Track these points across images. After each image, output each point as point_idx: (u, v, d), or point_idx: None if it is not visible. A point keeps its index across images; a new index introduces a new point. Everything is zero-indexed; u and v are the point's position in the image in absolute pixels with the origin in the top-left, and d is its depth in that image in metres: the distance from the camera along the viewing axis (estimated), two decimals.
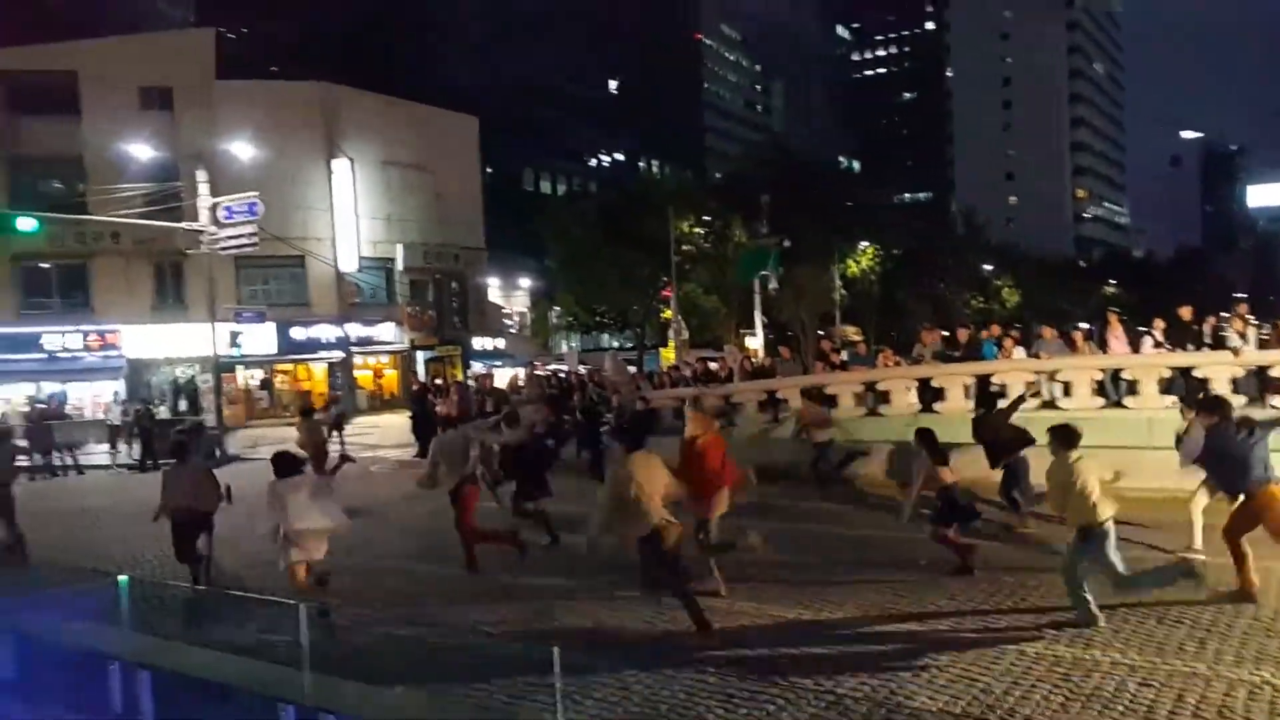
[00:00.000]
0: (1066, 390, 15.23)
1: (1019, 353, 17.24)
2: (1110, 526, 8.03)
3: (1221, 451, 8.87)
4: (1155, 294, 72.99)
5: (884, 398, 16.68)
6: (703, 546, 9.66)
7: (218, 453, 23.52)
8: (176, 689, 7.93)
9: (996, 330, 19.27)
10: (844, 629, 8.38)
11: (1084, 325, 28.25)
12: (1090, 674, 6.97)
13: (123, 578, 9.06)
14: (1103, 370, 15.17)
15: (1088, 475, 8.10)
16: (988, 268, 77.25)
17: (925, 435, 10.40)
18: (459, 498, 11.08)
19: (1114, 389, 15.12)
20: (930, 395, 16.15)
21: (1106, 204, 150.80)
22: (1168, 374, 14.48)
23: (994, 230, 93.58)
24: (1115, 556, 8.03)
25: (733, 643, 8.06)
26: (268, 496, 9.52)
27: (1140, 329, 18.21)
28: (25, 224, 23.67)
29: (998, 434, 11.80)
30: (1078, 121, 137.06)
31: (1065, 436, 8.40)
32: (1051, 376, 15.64)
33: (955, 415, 15.50)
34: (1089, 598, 8.03)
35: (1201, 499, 9.83)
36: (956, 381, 15.88)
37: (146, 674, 7.97)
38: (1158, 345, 16.08)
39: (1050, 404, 15.38)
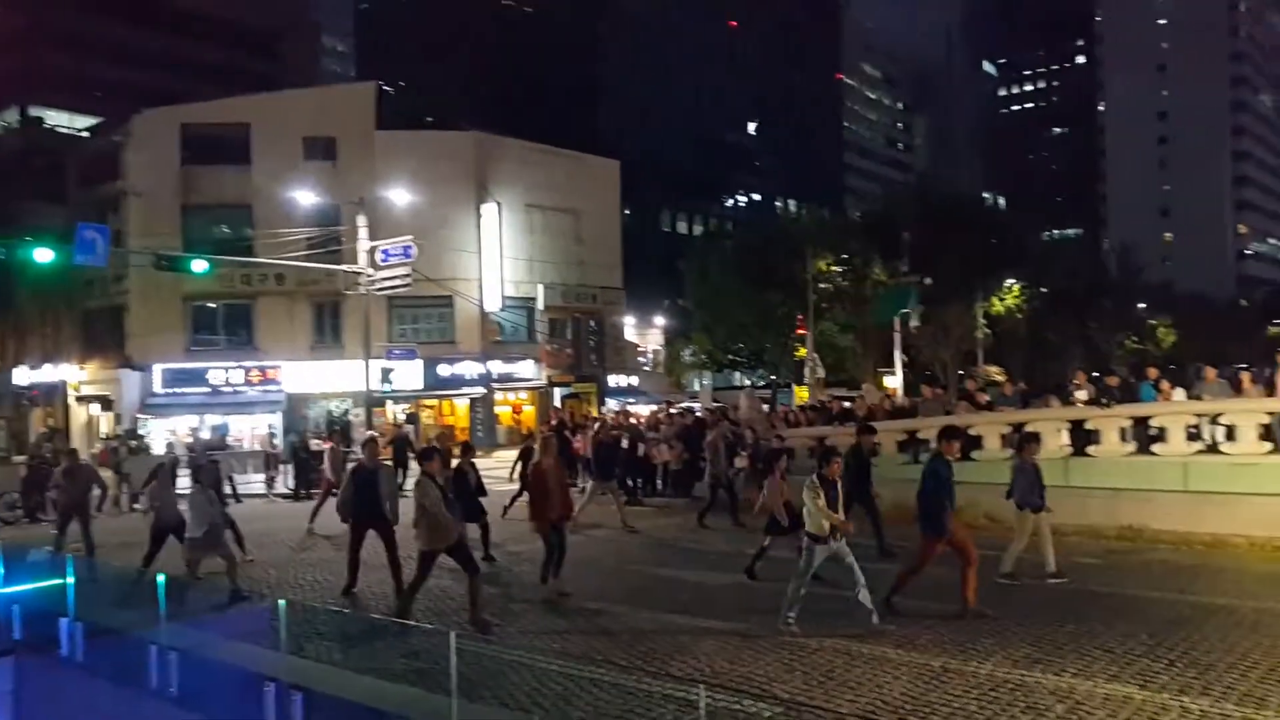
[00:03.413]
0: (1230, 434, 14.41)
1: (1179, 395, 16.43)
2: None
3: None
4: None
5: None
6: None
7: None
8: (328, 710, 8.27)
9: (1154, 373, 18.44)
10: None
11: (1246, 366, 26.69)
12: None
13: (282, 601, 9.53)
14: (1271, 414, 14.29)
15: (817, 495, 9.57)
16: (1142, 307, 73.78)
17: (776, 455, 13.79)
18: None
19: None
20: (1083, 438, 15.52)
21: (1272, 240, 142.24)
22: None
23: (1150, 268, 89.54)
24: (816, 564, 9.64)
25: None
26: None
27: None
28: (199, 266, 25.29)
29: None
30: (1241, 155, 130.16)
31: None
32: (1214, 420, 14.84)
33: (1110, 458, 14.94)
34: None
35: None
36: (1112, 424, 15.23)
37: (300, 695, 8.32)
38: None
39: (1213, 448, 14.59)
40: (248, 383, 38.18)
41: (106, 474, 22.62)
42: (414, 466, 22.22)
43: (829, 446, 11.46)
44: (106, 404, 39.66)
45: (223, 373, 38.07)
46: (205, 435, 34.01)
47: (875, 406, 20.81)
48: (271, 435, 35.73)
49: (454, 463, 13.63)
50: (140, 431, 34.21)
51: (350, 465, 18.25)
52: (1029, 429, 14.25)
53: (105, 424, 39.55)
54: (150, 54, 64.41)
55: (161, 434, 35.65)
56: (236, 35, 71.69)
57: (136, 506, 23.87)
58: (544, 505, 11.65)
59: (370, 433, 21.05)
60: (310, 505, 19.20)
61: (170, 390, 37.73)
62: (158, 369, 37.71)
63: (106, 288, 38.70)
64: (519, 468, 18.15)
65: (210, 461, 15.76)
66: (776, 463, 13.19)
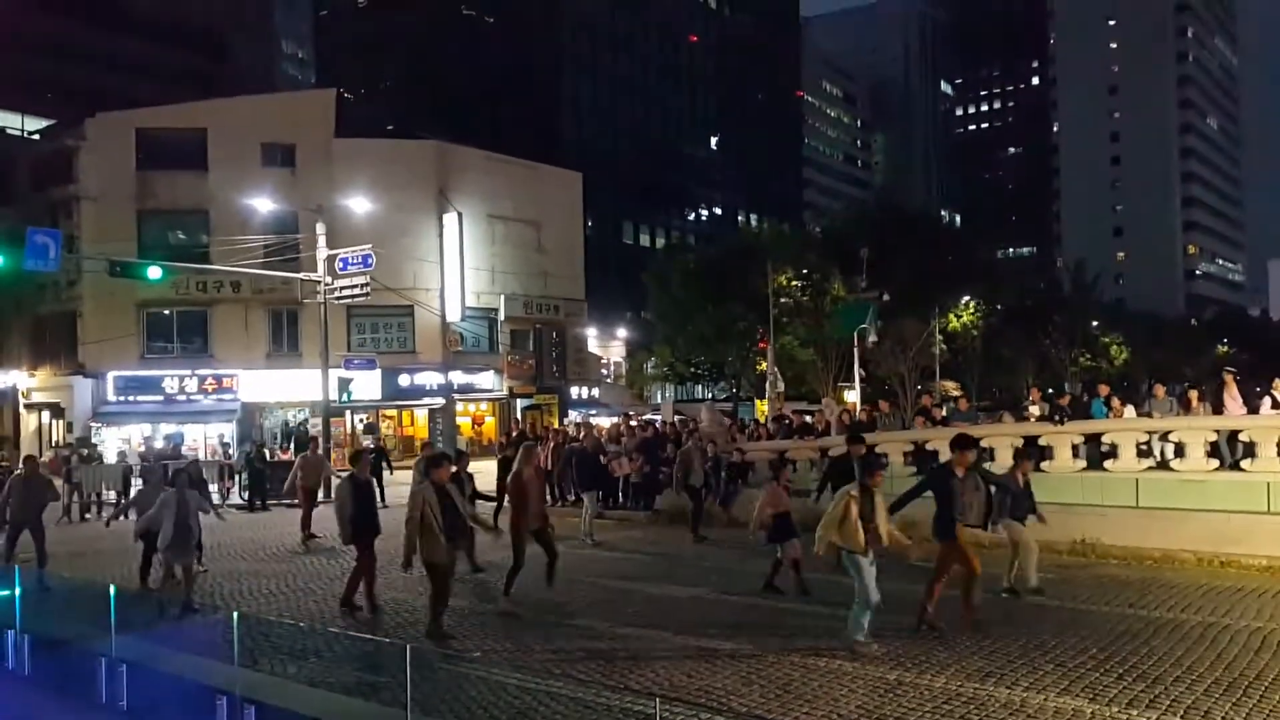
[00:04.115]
0: (1179, 451, 14.70)
1: (1129, 412, 16.73)
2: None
3: None
4: (1272, 354, 69.94)
5: (988, 455, 16.33)
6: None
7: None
8: None
9: (1105, 390, 18.77)
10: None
11: (1195, 384, 27.30)
12: None
13: (234, 613, 9.42)
14: (1218, 431, 14.61)
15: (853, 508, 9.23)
16: (1095, 324, 75.16)
17: (780, 464, 13.38)
18: None
19: (1230, 451, 14.55)
20: (1036, 454, 15.74)
21: (1220, 261, 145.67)
22: None
23: (1102, 287, 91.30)
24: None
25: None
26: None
27: (1258, 389, 17.51)
28: (154, 273, 24.93)
29: None
30: (1189, 177, 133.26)
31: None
32: (1164, 437, 15.13)
33: (1062, 474, 15.15)
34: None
35: None
36: (1065, 440, 15.48)
37: (253, 709, 8.22)
38: (1277, 406, 15.42)
39: (1163, 465, 14.88)
40: (202, 391, 37.66)
41: (56, 482, 22.17)
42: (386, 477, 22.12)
43: (873, 455, 11.21)
44: (58, 411, 38.94)
45: (177, 380, 37.52)
46: (159, 444, 33.48)
47: (831, 420, 20.94)
48: (225, 445, 35.29)
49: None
50: (92, 440, 33.64)
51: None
52: (1022, 446, 14.29)
53: (56, 432, 38.83)
54: (103, 55, 63.40)
55: (114, 442, 35.11)
56: (192, 38, 70.76)
57: (88, 516, 23.53)
58: (523, 515, 11.52)
59: (365, 443, 20.89)
60: (263, 516, 18.96)
61: (123, 398, 37.14)
62: (111, 376, 37.10)
63: (59, 293, 38.03)
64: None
65: (192, 462, 15.40)
66: (781, 471, 12.90)
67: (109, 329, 36.64)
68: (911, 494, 10.39)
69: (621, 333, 59.70)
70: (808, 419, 23.11)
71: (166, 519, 11.96)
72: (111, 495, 24.34)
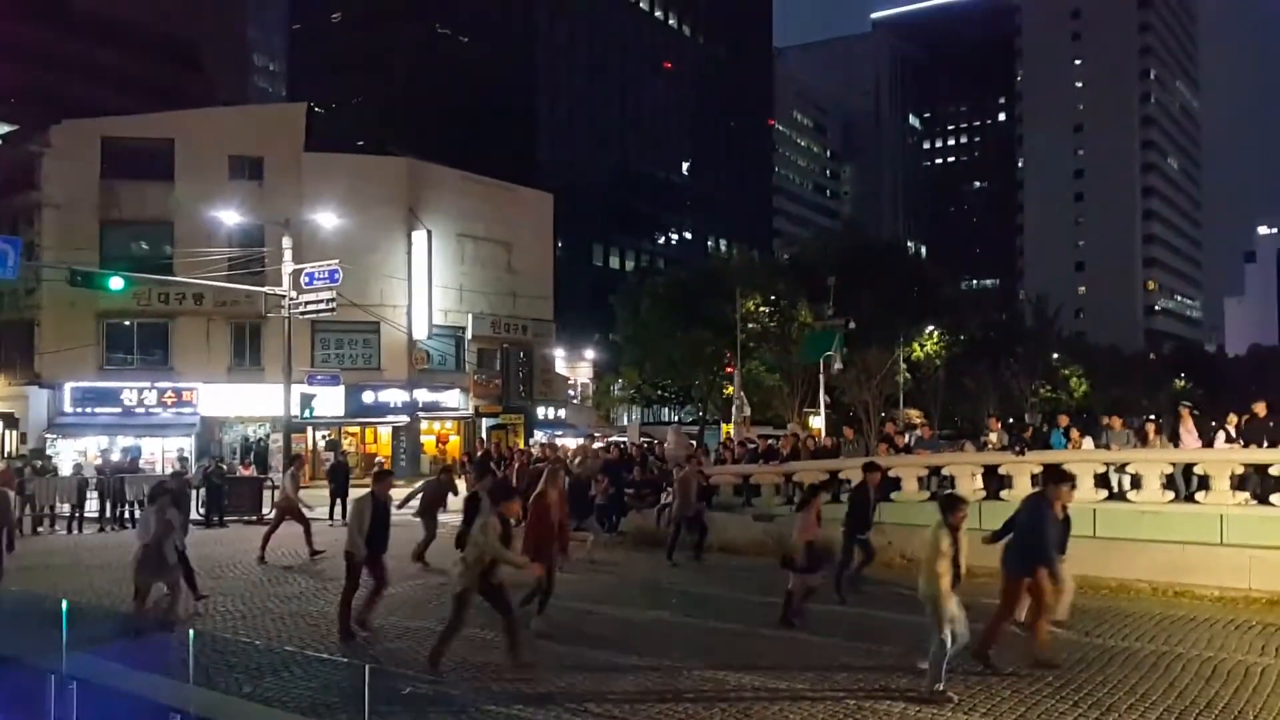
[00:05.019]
0: (1135, 483, 14.92)
1: (1088, 443, 16.97)
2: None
3: None
4: (1227, 389, 71.20)
5: (949, 483, 16.50)
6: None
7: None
8: None
9: (1065, 420, 19.05)
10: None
11: (1154, 418, 27.74)
12: None
13: (190, 630, 9.29)
14: (1173, 464, 14.85)
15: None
16: (1055, 356, 76.13)
17: (814, 490, 12.65)
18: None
19: (1185, 484, 14.80)
20: (996, 483, 15.94)
21: (1179, 297, 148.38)
22: (1240, 470, 14.14)
23: (1063, 320, 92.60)
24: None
25: None
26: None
27: (1214, 423, 17.84)
28: (115, 283, 24.64)
29: None
30: (1150, 214, 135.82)
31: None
32: (1121, 468, 15.36)
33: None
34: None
35: None
36: (1024, 470, 15.66)
37: None
38: (1231, 440, 15.72)
39: (1119, 496, 15.08)
40: (161, 404, 37.15)
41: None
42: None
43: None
44: (11, 422, 38.22)
45: (136, 393, 36.99)
46: (115, 457, 32.91)
47: (795, 444, 21.04)
48: (183, 459, 34.74)
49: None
50: (47, 451, 33.04)
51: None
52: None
53: (10, 443, 38.11)
54: (70, 62, 62.81)
55: (69, 455, 34.49)
56: (163, 48, 70.25)
57: (40, 529, 23.07)
58: (548, 544, 10.96)
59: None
60: (221, 533, 18.70)
61: (80, 410, 36.55)
62: (68, 387, 36.52)
63: (17, 301, 37.48)
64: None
65: (179, 477, 15.06)
66: (814, 499, 11.98)
67: (67, 339, 36.10)
68: (1017, 531, 10.02)
69: (589, 354, 59.70)
70: (772, 443, 23.21)
71: (140, 538, 11.76)
72: (66, 508, 23.89)
